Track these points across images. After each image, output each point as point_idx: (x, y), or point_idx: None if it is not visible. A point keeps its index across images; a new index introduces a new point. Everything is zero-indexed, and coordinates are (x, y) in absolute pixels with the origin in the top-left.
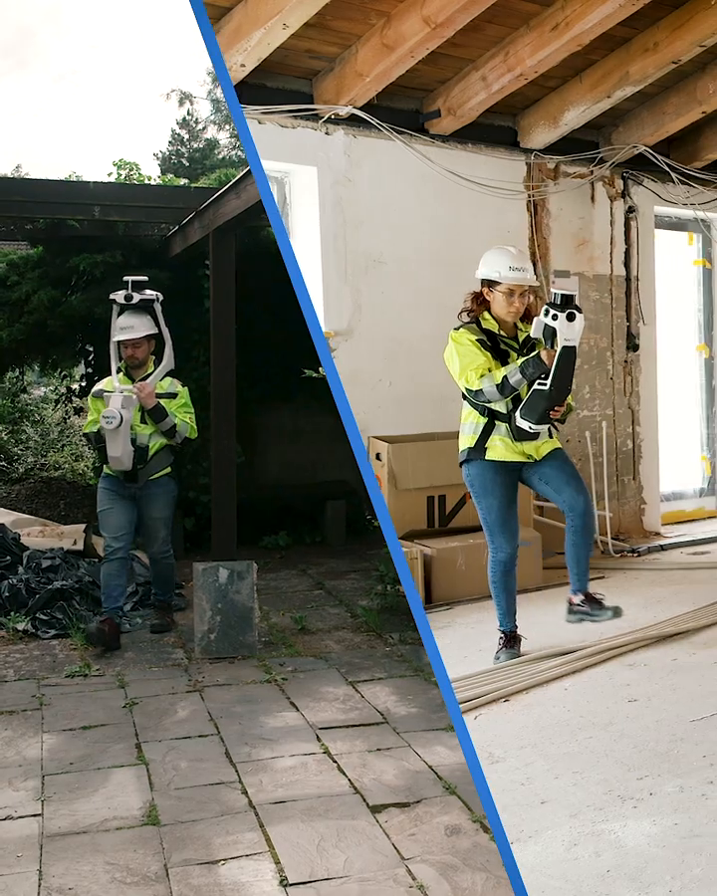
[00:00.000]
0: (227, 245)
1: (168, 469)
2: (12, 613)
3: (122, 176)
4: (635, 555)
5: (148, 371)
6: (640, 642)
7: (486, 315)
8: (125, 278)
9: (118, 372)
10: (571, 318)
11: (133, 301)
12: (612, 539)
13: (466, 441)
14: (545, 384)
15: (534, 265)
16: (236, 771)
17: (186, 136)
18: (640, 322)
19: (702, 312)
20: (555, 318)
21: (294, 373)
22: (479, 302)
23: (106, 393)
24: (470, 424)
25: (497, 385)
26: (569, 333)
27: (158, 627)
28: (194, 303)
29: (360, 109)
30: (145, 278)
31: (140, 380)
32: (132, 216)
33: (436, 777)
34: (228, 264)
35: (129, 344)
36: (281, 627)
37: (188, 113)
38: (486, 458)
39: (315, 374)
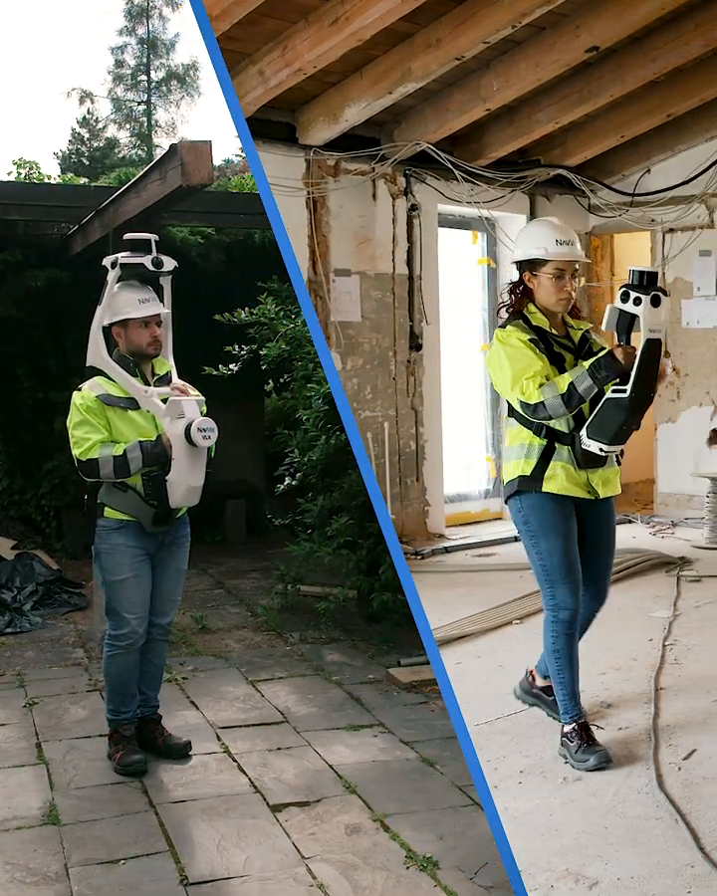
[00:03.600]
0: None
1: None
2: None
3: (22, 175)
4: (419, 557)
5: (166, 368)
6: None
7: (531, 307)
8: (130, 236)
9: (132, 372)
10: (656, 301)
11: (164, 268)
12: None
13: (518, 468)
14: (623, 391)
15: (313, 264)
16: None
17: (86, 135)
18: (423, 321)
19: (487, 311)
20: (637, 302)
21: (195, 371)
22: (521, 291)
23: (121, 399)
24: (521, 447)
25: (562, 396)
26: (654, 321)
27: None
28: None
29: None
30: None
31: (158, 380)
32: (32, 215)
33: (336, 776)
34: None
35: (152, 322)
36: (181, 626)
37: (89, 112)
38: (544, 490)
39: (216, 372)
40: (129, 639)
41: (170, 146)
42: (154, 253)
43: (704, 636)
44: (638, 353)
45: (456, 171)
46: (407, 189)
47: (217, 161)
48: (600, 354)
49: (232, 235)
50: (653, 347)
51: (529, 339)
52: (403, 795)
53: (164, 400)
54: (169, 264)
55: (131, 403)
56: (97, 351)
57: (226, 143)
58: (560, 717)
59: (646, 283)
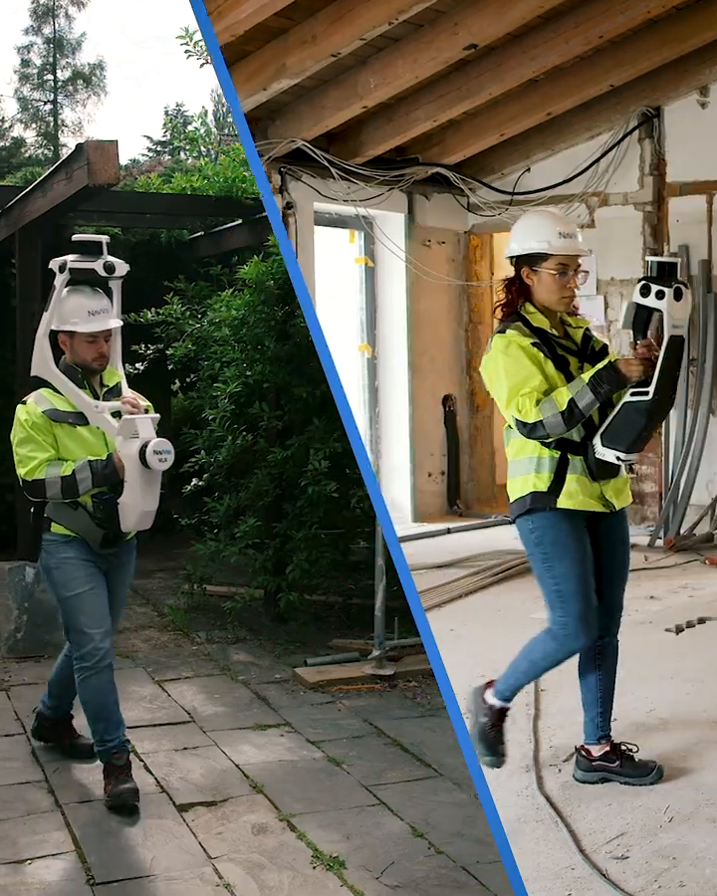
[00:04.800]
0: (33, 243)
1: None
2: None
3: None
4: None
5: (116, 379)
6: None
7: (528, 307)
8: (79, 237)
9: (81, 383)
10: (678, 294)
11: (116, 272)
12: None
13: (529, 483)
14: (644, 395)
15: None
16: (42, 770)
17: None
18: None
19: (364, 311)
20: (660, 295)
21: None
22: (518, 289)
23: (69, 414)
24: (530, 460)
25: (562, 413)
26: (678, 316)
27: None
28: (0, 301)
29: None
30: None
31: (107, 391)
32: None
33: (243, 775)
34: (34, 262)
35: (101, 337)
36: None
37: None
38: (559, 507)
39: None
40: (97, 656)
41: (77, 146)
42: (106, 256)
43: None
44: (661, 352)
45: (333, 169)
46: (283, 187)
47: (123, 161)
48: (600, 366)
49: (138, 235)
50: (677, 345)
51: (531, 343)
52: (310, 795)
53: (115, 415)
54: (122, 268)
55: (80, 418)
56: (42, 361)
57: (132, 143)
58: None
59: (667, 274)
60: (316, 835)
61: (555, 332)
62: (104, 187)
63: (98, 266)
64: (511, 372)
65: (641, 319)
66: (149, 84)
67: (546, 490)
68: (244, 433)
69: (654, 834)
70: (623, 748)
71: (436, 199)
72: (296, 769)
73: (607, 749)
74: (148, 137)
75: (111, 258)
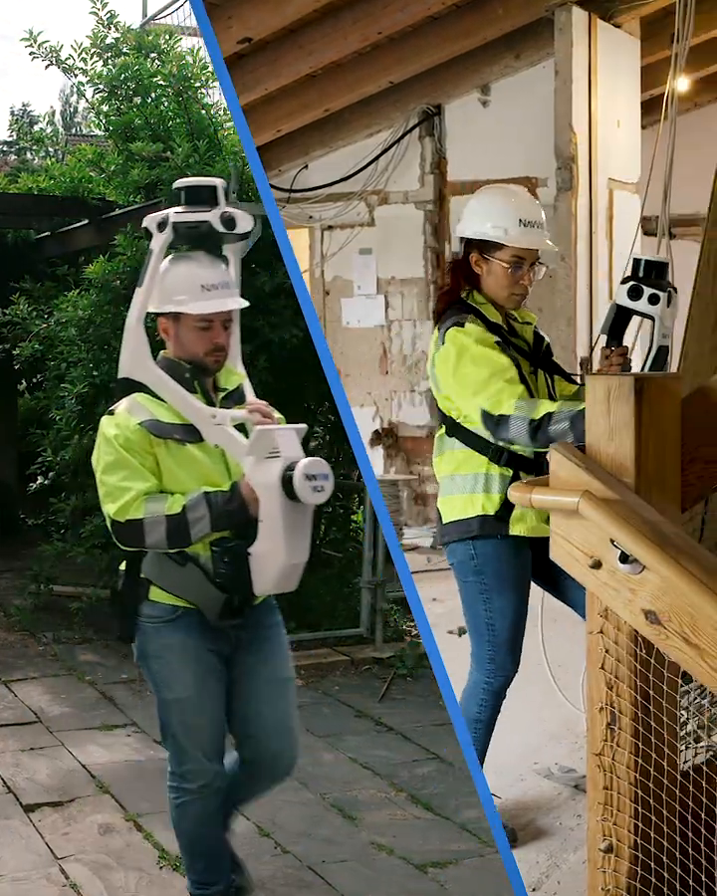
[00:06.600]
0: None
1: None
2: None
3: None
4: None
5: (236, 381)
6: None
7: (477, 296)
8: (185, 181)
9: (190, 386)
10: (670, 300)
11: (238, 228)
12: None
13: (472, 504)
14: None
15: None
16: None
17: None
18: None
19: None
20: (654, 300)
21: None
22: (466, 275)
23: (176, 428)
24: (476, 477)
25: (530, 422)
26: (669, 323)
27: None
28: None
29: None
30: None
31: (225, 397)
32: None
33: (89, 775)
34: None
35: (218, 322)
36: None
37: None
38: (511, 533)
39: None
40: (200, 779)
41: None
42: (224, 206)
43: None
44: (648, 364)
45: None
46: None
47: None
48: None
49: None
50: (665, 356)
51: (495, 342)
52: (156, 795)
53: (240, 428)
54: (245, 222)
55: (191, 433)
56: (136, 357)
57: None
58: None
59: (656, 275)
60: (162, 835)
61: (504, 326)
62: None
63: (213, 218)
64: (489, 360)
65: (621, 322)
66: None
67: (496, 514)
68: (91, 433)
69: None
70: None
71: None
72: (143, 769)
73: None
74: None
75: (230, 208)
